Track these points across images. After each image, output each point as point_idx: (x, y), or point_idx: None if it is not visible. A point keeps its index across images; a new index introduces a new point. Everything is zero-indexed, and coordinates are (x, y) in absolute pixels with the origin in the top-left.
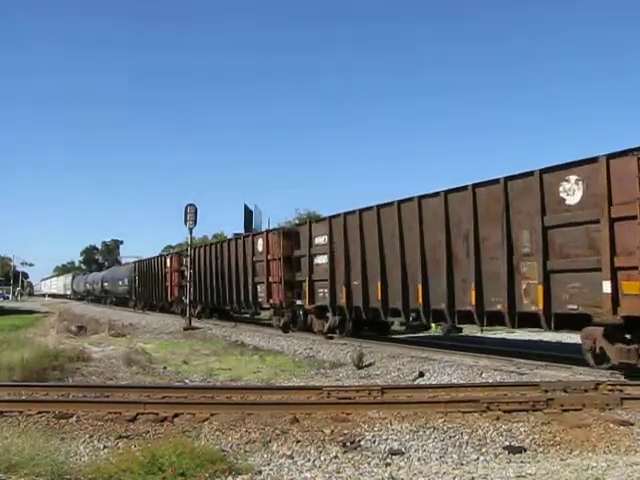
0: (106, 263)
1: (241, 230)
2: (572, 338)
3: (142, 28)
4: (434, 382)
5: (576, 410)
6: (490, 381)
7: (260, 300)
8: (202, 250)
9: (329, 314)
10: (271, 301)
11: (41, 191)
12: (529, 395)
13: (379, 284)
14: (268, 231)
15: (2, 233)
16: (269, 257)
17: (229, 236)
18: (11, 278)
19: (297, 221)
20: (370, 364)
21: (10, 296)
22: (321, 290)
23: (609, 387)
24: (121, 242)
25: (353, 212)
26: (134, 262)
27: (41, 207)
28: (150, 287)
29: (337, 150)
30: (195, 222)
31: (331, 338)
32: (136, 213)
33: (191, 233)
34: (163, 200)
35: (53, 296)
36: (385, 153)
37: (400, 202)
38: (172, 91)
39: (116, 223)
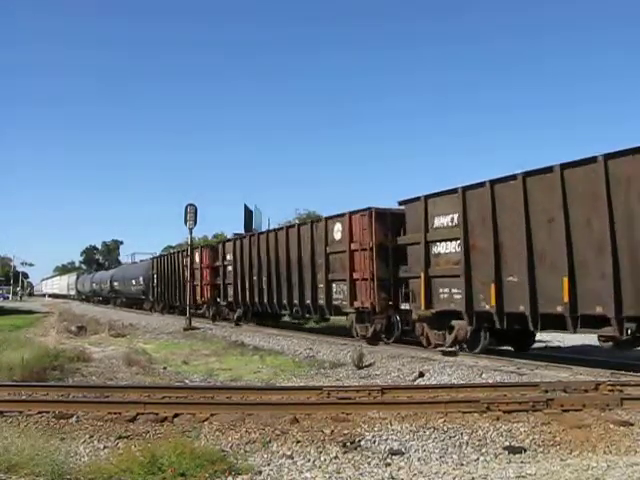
0: (106, 263)
1: (241, 230)
2: (572, 339)
3: (142, 28)
4: (434, 382)
5: (576, 410)
6: (490, 381)
7: (337, 303)
8: (245, 242)
9: (457, 322)
10: (356, 304)
11: (41, 191)
12: (529, 395)
13: (565, 279)
14: (352, 213)
15: (2, 233)
16: (353, 247)
17: (229, 236)
18: (11, 278)
19: (297, 221)
20: (370, 364)
21: (10, 296)
22: (445, 290)
23: (609, 387)
24: (121, 242)
25: (510, 178)
26: (152, 258)
27: (41, 207)
28: (172, 286)
29: (337, 150)
30: (195, 222)
31: (453, 355)
32: (136, 213)
33: (191, 233)
34: (163, 200)
35: (55, 296)
36: (385, 153)
37: (608, 157)
38: (172, 91)
39: (116, 223)
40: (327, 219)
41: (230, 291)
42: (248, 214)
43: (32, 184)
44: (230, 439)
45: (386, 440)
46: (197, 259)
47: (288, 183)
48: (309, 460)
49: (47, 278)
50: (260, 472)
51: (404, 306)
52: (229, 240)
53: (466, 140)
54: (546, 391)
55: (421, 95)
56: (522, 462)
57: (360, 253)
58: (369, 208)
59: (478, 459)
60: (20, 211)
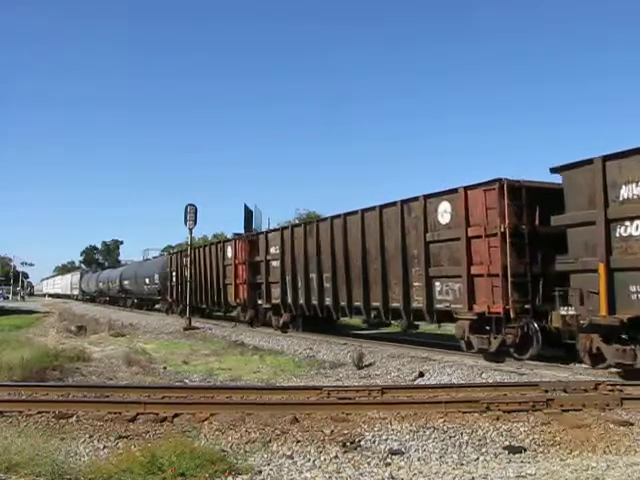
0: (106, 263)
1: (241, 230)
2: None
3: (142, 28)
4: (434, 382)
5: (576, 410)
6: (490, 381)
7: (443, 306)
8: (299, 231)
9: None
10: (478, 308)
11: (41, 191)
12: (529, 395)
13: None
14: (468, 187)
15: (2, 233)
16: (472, 232)
17: (229, 236)
18: (11, 278)
19: (297, 221)
20: (370, 364)
21: (10, 296)
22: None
23: (609, 387)
24: (121, 242)
25: None
26: (170, 253)
27: (41, 207)
28: (197, 286)
29: (337, 150)
30: (195, 222)
31: None
32: (136, 213)
33: (191, 233)
34: (163, 200)
35: (57, 296)
36: (385, 153)
37: None
38: (172, 90)
39: (116, 223)
40: (427, 197)
41: (275, 291)
42: (248, 214)
43: (32, 184)
44: (230, 439)
45: (386, 440)
46: (229, 254)
47: (288, 183)
48: (309, 460)
49: (48, 278)
50: (260, 472)
51: (566, 311)
52: (274, 230)
53: (466, 140)
54: (546, 391)
55: (421, 95)
56: (522, 462)
57: (483, 241)
58: (499, 179)
59: (478, 459)
60: (20, 211)
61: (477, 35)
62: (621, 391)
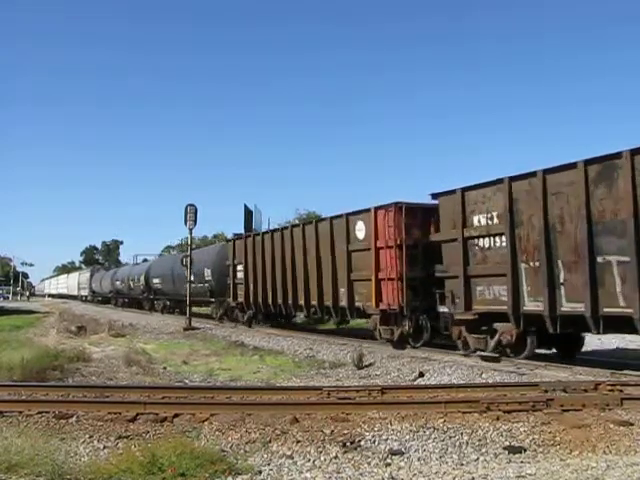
0: (106, 263)
1: (241, 230)
2: None
3: (142, 28)
4: (434, 382)
5: (576, 410)
6: (490, 381)
7: None
8: (566, 177)
9: None
10: None
11: (41, 191)
12: (529, 395)
13: None
14: None
15: (2, 233)
16: None
17: (229, 236)
18: (11, 278)
19: (297, 221)
20: (370, 364)
21: (10, 296)
22: None
23: (609, 387)
24: (121, 242)
25: None
26: (232, 239)
27: (41, 207)
28: (285, 283)
29: (337, 150)
30: (195, 222)
31: None
32: (136, 213)
33: (191, 233)
34: (163, 200)
35: (61, 297)
36: (385, 153)
37: None
38: (172, 91)
39: (116, 223)
40: None
41: (488, 291)
42: (248, 214)
43: (32, 184)
44: (230, 439)
45: (386, 440)
46: (360, 233)
47: (288, 183)
48: (309, 460)
49: (49, 277)
50: (260, 472)
51: None
52: (485, 184)
53: (466, 140)
54: (546, 391)
55: (421, 95)
56: (522, 462)
57: None
58: None
59: (478, 459)
60: (20, 211)
61: (477, 35)
62: (621, 391)
